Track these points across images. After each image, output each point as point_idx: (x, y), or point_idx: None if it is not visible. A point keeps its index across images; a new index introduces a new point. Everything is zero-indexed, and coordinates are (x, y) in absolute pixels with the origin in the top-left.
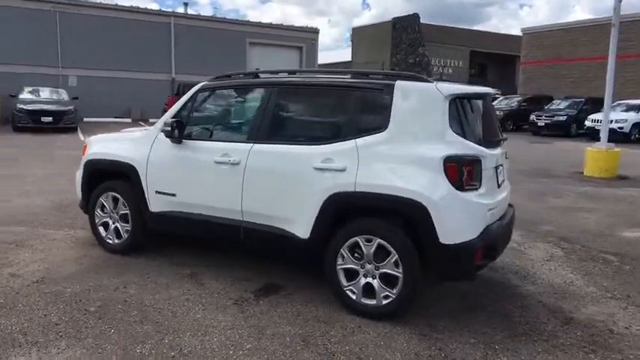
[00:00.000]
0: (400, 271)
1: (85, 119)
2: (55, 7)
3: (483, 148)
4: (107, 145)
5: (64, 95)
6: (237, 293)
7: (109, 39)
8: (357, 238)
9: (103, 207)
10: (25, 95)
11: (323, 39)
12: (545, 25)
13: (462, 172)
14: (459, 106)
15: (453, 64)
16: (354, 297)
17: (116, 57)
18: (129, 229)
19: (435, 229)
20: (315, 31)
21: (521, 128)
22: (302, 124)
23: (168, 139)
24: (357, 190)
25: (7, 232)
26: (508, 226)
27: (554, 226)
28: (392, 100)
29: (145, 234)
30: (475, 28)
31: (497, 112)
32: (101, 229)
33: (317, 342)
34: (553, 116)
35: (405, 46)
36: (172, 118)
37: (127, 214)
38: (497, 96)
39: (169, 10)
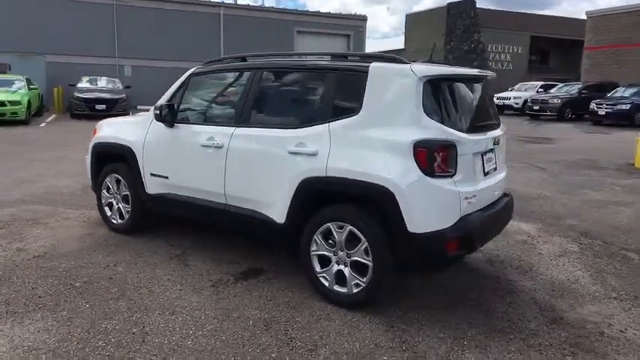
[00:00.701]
0: (370, 259)
1: (139, 107)
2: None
3: (461, 133)
4: (112, 128)
5: (118, 84)
6: (219, 275)
7: (161, 30)
8: (329, 225)
9: (108, 188)
10: (83, 84)
11: (382, 27)
12: (612, 7)
13: (432, 158)
14: (436, 88)
15: (511, 51)
16: (326, 284)
17: (168, 47)
18: (129, 210)
19: (402, 216)
20: (362, 19)
21: (581, 117)
22: (280, 107)
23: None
24: (327, 175)
25: (30, 210)
26: (495, 217)
27: (579, 220)
28: (366, 82)
29: (145, 215)
30: (543, 13)
31: (555, 100)
32: (107, 209)
33: (280, 327)
34: (615, 104)
35: (459, 32)
36: (167, 101)
37: (127, 195)
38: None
39: (219, 0)
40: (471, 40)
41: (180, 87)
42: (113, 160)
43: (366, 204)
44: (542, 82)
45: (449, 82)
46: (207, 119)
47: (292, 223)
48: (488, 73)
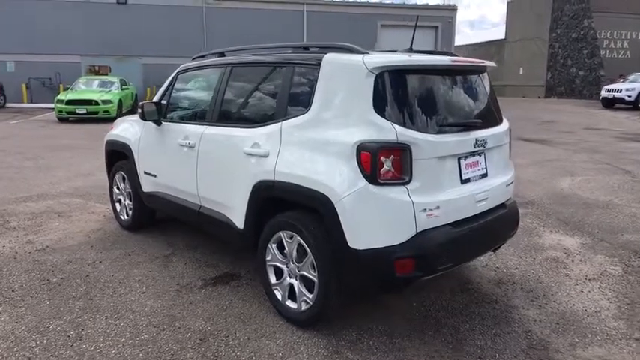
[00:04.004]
0: (315, 274)
1: None
2: (206, 2)
3: (419, 134)
4: (120, 126)
5: None
6: (189, 279)
7: (247, 30)
8: (280, 234)
9: (118, 185)
10: None
11: (492, 16)
12: None
13: (376, 162)
14: (393, 81)
15: (629, 37)
16: (279, 297)
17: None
18: (132, 207)
19: (342, 229)
20: (452, 9)
21: None
22: (242, 105)
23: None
24: (275, 179)
25: (65, 203)
26: (477, 233)
27: None
28: (318, 76)
29: (146, 213)
30: None
31: None
32: (117, 205)
33: (214, 342)
34: None
35: (567, 18)
36: (158, 99)
37: (130, 192)
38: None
39: None
40: (580, 27)
41: (169, 84)
42: (119, 157)
43: (313, 213)
44: None
45: (413, 75)
46: (186, 117)
47: (250, 229)
48: (486, 63)
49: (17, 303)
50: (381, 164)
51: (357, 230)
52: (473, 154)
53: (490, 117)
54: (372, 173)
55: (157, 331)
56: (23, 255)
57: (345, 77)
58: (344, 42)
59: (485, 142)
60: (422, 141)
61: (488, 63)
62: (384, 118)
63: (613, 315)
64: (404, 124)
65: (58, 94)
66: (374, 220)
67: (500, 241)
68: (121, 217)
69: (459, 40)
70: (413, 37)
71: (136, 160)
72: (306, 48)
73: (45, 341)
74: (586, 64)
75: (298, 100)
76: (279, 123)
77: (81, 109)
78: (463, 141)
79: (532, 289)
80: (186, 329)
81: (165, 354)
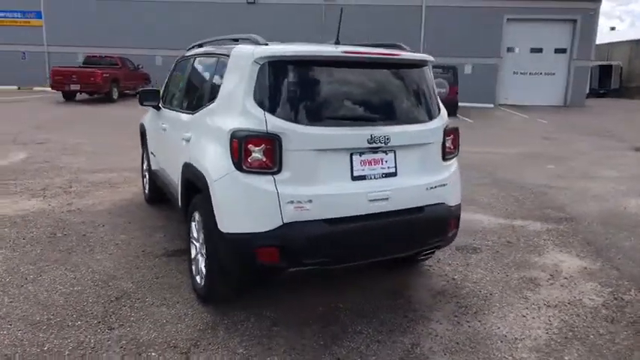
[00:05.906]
0: (205, 253)
1: None
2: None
3: (292, 125)
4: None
5: None
6: (156, 248)
7: (362, 24)
8: (195, 213)
9: (144, 163)
10: None
11: None
12: None
13: (242, 150)
14: (276, 72)
15: None
16: (194, 272)
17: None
18: (148, 181)
19: (213, 212)
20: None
21: None
22: (189, 93)
23: None
24: (189, 161)
25: (122, 176)
26: (363, 233)
27: None
28: (226, 67)
29: (156, 187)
30: None
31: None
32: (144, 180)
33: (124, 302)
34: None
35: None
36: (162, 87)
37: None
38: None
39: None
40: None
41: (171, 72)
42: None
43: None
44: None
45: (301, 66)
46: (171, 104)
47: (183, 207)
48: (405, 56)
49: (17, 249)
50: (249, 152)
51: (224, 214)
52: (374, 150)
53: (407, 113)
54: (238, 160)
55: (90, 285)
56: (56, 213)
57: (239, 68)
58: (466, 39)
59: (388, 139)
60: (295, 132)
61: (407, 55)
62: (260, 107)
63: (534, 346)
64: (279, 115)
65: None
66: (239, 205)
67: (412, 247)
68: (145, 190)
69: (633, 34)
70: (338, 29)
71: (147, 141)
72: (236, 40)
73: (7, 280)
74: None
75: (214, 90)
76: (200, 110)
77: None
78: (352, 135)
79: (468, 305)
80: (113, 288)
81: (80, 304)
